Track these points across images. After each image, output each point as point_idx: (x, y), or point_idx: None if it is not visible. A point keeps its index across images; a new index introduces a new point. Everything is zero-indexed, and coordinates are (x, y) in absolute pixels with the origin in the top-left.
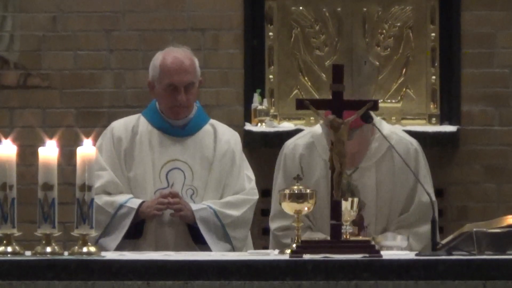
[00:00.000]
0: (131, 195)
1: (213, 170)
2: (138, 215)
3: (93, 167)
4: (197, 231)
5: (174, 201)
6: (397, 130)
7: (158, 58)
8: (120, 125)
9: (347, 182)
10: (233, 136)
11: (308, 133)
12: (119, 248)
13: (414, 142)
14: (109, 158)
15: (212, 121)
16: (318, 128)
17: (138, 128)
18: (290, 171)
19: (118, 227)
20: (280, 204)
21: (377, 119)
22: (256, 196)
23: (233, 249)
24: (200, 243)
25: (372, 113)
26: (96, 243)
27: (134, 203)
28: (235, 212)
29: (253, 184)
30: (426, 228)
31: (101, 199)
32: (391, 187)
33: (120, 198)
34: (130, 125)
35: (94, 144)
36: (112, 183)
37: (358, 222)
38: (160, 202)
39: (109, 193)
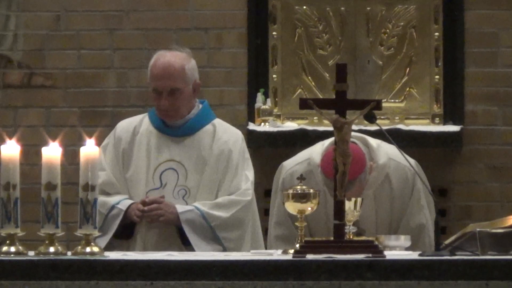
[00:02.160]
0: (126, 196)
1: (207, 170)
2: (127, 217)
3: (97, 167)
4: (184, 232)
5: (151, 207)
6: (394, 153)
7: (151, 61)
8: (123, 125)
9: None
10: (233, 135)
11: (306, 160)
12: (109, 248)
13: (412, 163)
14: (110, 158)
15: (215, 120)
16: (316, 155)
17: (140, 128)
18: None
19: (109, 227)
20: (279, 224)
21: (374, 146)
22: (248, 197)
23: (225, 250)
24: (188, 245)
25: (370, 138)
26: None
27: (125, 204)
28: (223, 214)
29: (248, 184)
30: None
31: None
32: (389, 212)
33: (114, 199)
34: (133, 125)
35: (98, 144)
36: (109, 183)
37: None
38: (138, 209)
39: (107, 193)
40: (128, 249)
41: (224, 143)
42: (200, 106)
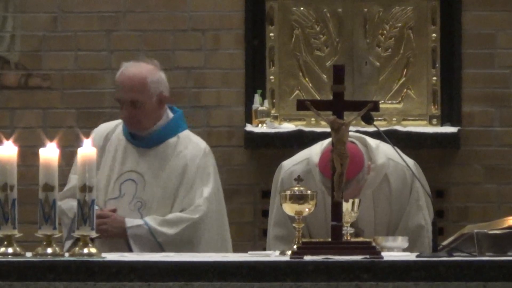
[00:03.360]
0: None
1: (162, 183)
2: None
3: (94, 168)
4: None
5: (99, 222)
6: (392, 154)
7: (119, 70)
8: (98, 131)
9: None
10: (194, 150)
11: (305, 160)
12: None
13: (411, 164)
14: None
15: (183, 132)
16: (315, 155)
17: (112, 135)
18: None
19: (68, 234)
20: (278, 224)
21: (373, 146)
22: (197, 214)
23: None
24: None
25: (369, 139)
26: (64, 243)
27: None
28: (169, 231)
29: (201, 201)
30: None
31: (66, 204)
32: (388, 213)
33: (67, 205)
34: (106, 131)
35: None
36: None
37: None
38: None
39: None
40: None
41: (183, 157)
42: (171, 116)
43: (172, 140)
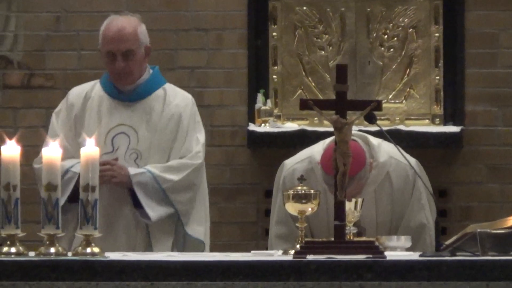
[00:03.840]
0: (79, 160)
1: (158, 133)
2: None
3: (97, 168)
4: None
5: (105, 168)
6: (395, 152)
7: (102, 26)
8: (75, 91)
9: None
10: (184, 99)
11: (307, 159)
12: (64, 212)
13: (413, 162)
14: (63, 124)
15: (166, 85)
16: (317, 153)
17: (91, 94)
18: None
19: (64, 191)
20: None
21: (375, 144)
22: (199, 160)
23: (177, 212)
24: (140, 207)
25: (371, 137)
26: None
27: (78, 168)
28: (174, 177)
29: (199, 147)
30: None
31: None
32: (390, 211)
33: (68, 163)
34: (84, 91)
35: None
36: (62, 148)
37: None
38: None
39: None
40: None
41: (175, 106)
42: (151, 71)
43: (159, 92)
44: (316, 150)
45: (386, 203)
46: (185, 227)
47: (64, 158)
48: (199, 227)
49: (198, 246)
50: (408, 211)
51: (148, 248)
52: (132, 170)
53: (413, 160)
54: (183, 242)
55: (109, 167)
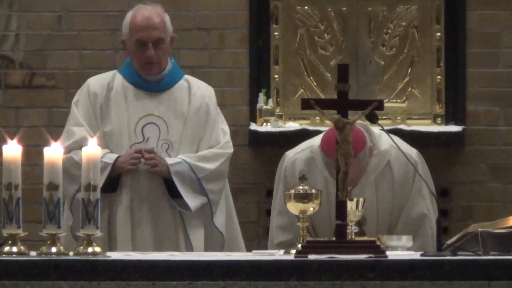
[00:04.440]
0: (106, 150)
1: (188, 124)
2: (114, 170)
3: (99, 167)
4: (172, 184)
5: (149, 156)
6: (397, 142)
7: (128, 16)
8: (96, 81)
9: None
10: (207, 91)
11: (308, 148)
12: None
13: (413, 154)
14: (85, 114)
15: (186, 76)
16: (317, 143)
17: (113, 84)
18: (290, 183)
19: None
20: (281, 213)
21: (376, 133)
22: (230, 150)
23: (209, 201)
24: (175, 197)
25: (372, 127)
26: (73, 197)
27: (110, 157)
28: (209, 166)
29: (227, 137)
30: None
31: (78, 155)
32: (391, 200)
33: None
34: (106, 81)
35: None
36: (87, 139)
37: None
38: (134, 157)
39: None
40: (114, 202)
41: (201, 97)
42: (171, 62)
43: (182, 83)
44: (317, 140)
45: (387, 193)
46: (213, 216)
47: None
48: (221, 217)
49: (219, 238)
50: (409, 201)
51: (187, 240)
52: (169, 160)
53: (414, 151)
54: (210, 233)
55: (153, 155)
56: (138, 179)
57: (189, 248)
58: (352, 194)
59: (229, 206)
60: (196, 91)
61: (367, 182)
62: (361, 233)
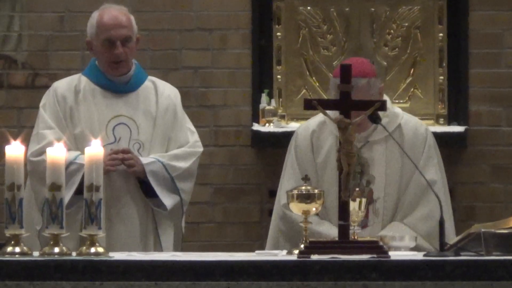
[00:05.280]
0: (78, 152)
1: (158, 124)
2: None
3: (100, 166)
4: (147, 184)
5: (128, 156)
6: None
7: (94, 16)
8: (63, 84)
9: (357, 156)
10: (173, 91)
11: (318, 116)
12: (70, 204)
13: (424, 125)
14: (55, 117)
15: (150, 77)
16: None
17: (80, 86)
18: (301, 145)
19: (69, 183)
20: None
21: (389, 101)
22: (200, 149)
23: (181, 200)
24: (150, 197)
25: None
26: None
27: (83, 159)
28: (182, 164)
29: (196, 136)
30: (421, 212)
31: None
32: (400, 163)
33: (69, 156)
34: (73, 84)
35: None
36: (58, 141)
37: (368, 196)
38: (113, 158)
39: None
40: None
41: (168, 97)
42: (135, 64)
43: (148, 83)
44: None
45: (397, 158)
46: (183, 217)
47: None
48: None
49: (179, 239)
50: (419, 167)
51: (157, 240)
52: (143, 160)
53: (425, 126)
54: (176, 233)
55: (131, 155)
56: (113, 180)
57: (159, 248)
58: (363, 152)
59: None
60: (163, 91)
61: (377, 140)
62: (369, 192)
